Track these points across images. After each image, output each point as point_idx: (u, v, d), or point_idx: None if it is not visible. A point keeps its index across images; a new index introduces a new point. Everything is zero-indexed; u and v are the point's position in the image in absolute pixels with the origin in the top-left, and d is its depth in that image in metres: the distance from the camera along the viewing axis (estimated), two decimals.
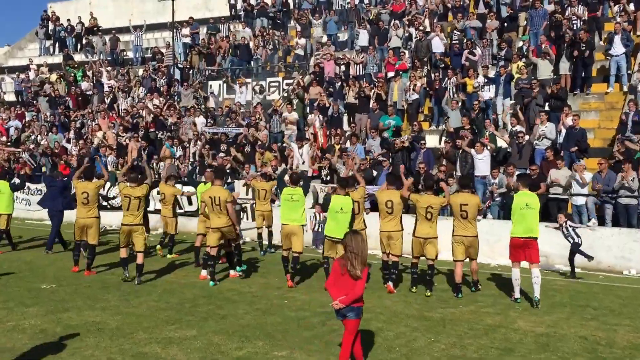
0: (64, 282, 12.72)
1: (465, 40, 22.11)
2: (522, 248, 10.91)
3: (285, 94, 25.42)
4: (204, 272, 13.13)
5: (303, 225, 12.71)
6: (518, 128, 17.26)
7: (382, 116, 20.39)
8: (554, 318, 10.05)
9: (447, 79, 20.70)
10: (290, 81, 26.19)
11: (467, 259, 11.75)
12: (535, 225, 10.93)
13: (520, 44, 22.03)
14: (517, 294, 11.12)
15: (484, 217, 15.59)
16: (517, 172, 15.67)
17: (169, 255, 15.96)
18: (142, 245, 12.73)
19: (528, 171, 15.81)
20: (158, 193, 17.72)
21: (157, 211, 18.55)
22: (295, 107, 22.54)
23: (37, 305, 10.71)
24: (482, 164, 16.64)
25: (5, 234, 17.07)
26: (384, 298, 11.38)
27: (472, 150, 16.88)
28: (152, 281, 12.86)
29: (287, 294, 11.74)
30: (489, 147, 16.98)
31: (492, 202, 15.94)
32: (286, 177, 13.35)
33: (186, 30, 31.14)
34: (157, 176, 21.06)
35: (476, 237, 11.54)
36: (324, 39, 27.04)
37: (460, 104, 19.47)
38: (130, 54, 34.22)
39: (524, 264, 11.12)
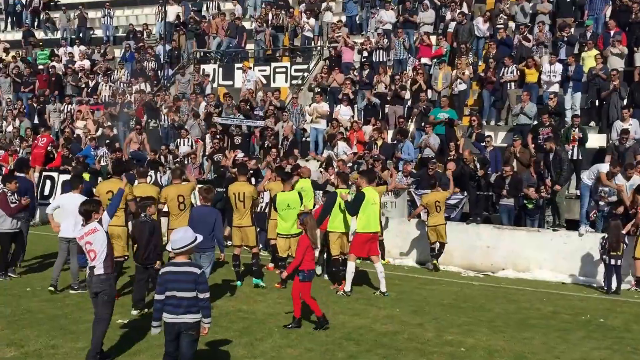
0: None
1: (515, 25, 20.55)
2: (368, 243, 11.78)
3: (299, 82, 23.33)
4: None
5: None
6: (625, 125, 15.60)
7: (433, 109, 18.54)
8: None
9: (505, 67, 18.95)
10: (300, 67, 24.19)
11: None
12: (378, 221, 12.14)
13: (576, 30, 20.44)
14: (348, 287, 11.84)
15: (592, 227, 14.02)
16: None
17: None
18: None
19: None
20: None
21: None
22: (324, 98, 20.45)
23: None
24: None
25: None
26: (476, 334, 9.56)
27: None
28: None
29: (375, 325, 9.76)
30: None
31: (597, 213, 14.13)
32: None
33: (170, 8, 28.55)
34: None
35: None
36: (335, 19, 24.92)
37: (529, 96, 17.70)
38: (99, 33, 31.43)
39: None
